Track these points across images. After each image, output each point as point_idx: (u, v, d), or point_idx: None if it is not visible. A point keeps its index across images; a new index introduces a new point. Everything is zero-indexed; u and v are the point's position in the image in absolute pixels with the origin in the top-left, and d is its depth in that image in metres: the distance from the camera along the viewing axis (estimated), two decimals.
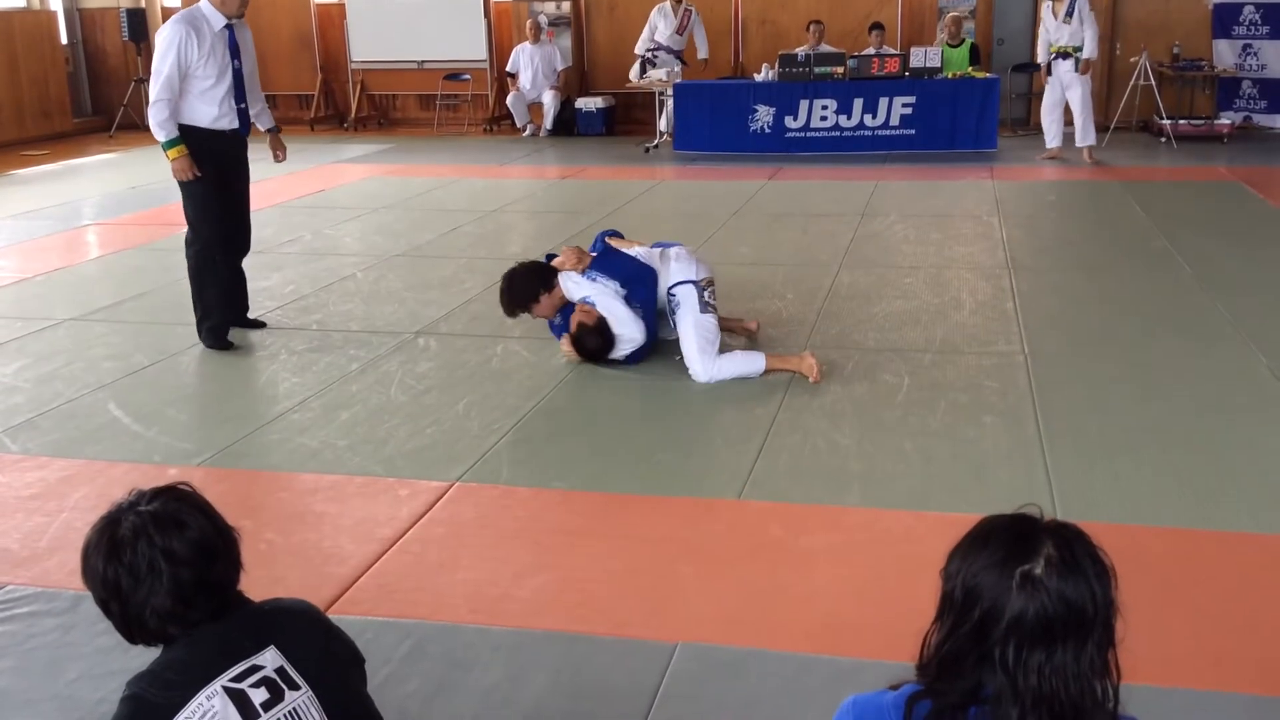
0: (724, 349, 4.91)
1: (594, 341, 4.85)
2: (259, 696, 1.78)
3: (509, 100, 13.30)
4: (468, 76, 13.83)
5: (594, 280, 4.90)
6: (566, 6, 13.74)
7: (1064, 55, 10.27)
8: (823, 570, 3.25)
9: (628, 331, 4.86)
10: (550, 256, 5.18)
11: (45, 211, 9.09)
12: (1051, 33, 10.33)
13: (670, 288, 4.94)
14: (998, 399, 4.52)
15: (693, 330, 4.83)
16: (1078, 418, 4.32)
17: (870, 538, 3.45)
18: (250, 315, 5.69)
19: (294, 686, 1.82)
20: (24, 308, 6.23)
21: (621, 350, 4.91)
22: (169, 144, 5.15)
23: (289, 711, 1.80)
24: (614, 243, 5.29)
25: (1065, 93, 10.30)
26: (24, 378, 5.03)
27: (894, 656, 2.20)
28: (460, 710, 2.63)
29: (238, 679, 1.79)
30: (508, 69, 13.35)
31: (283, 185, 10.03)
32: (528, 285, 4.96)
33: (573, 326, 4.91)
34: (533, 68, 13.06)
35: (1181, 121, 11.46)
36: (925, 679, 1.55)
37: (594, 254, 5.03)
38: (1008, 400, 4.50)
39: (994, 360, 4.99)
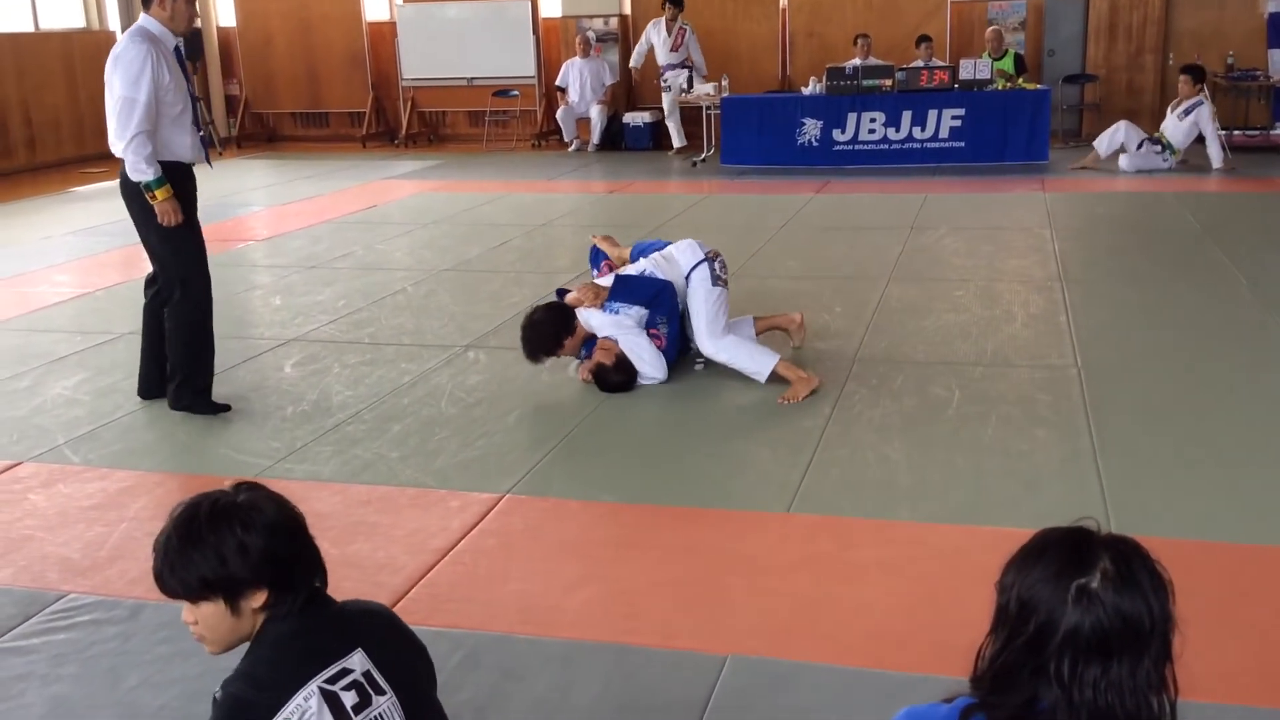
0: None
1: (616, 379, 4.86)
2: (350, 700, 1.81)
3: (558, 115, 13.40)
4: (516, 93, 13.94)
5: (615, 313, 4.91)
6: (614, 22, 13.83)
7: (1155, 140, 10.37)
8: (874, 583, 3.24)
9: (648, 371, 4.89)
10: (562, 292, 5.18)
11: (104, 228, 9.26)
12: (1167, 125, 10.45)
13: (688, 275, 4.98)
14: (1050, 413, 4.48)
15: (703, 304, 4.91)
16: (1132, 432, 4.27)
17: (921, 552, 3.43)
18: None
19: (380, 691, 1.85)
20: (84, 322, 6.36)
21: (641, 382, 4.92)
22: (158, 182, 4.45)
23: (375, 716, 1.83)
24: (602, 245, 5.41)
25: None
26: (84, 390, 5.14)
27: (946, 671, 2.19)
28: None
29: (331, 680, 1.81)
30: (557, 83, 13.45)
31: (335, 201, 10.17)
32: (549, 333, 4.90)
33: (592, 363, 4.91)
34: (581, 82, 13.16)
35: (1236, 132, 11.29)
36: (979, 692, 1.54)
37: (608, 286, 5.02)
38: (1060, 414, 4.46)
39: (1046, 373, 4.95)
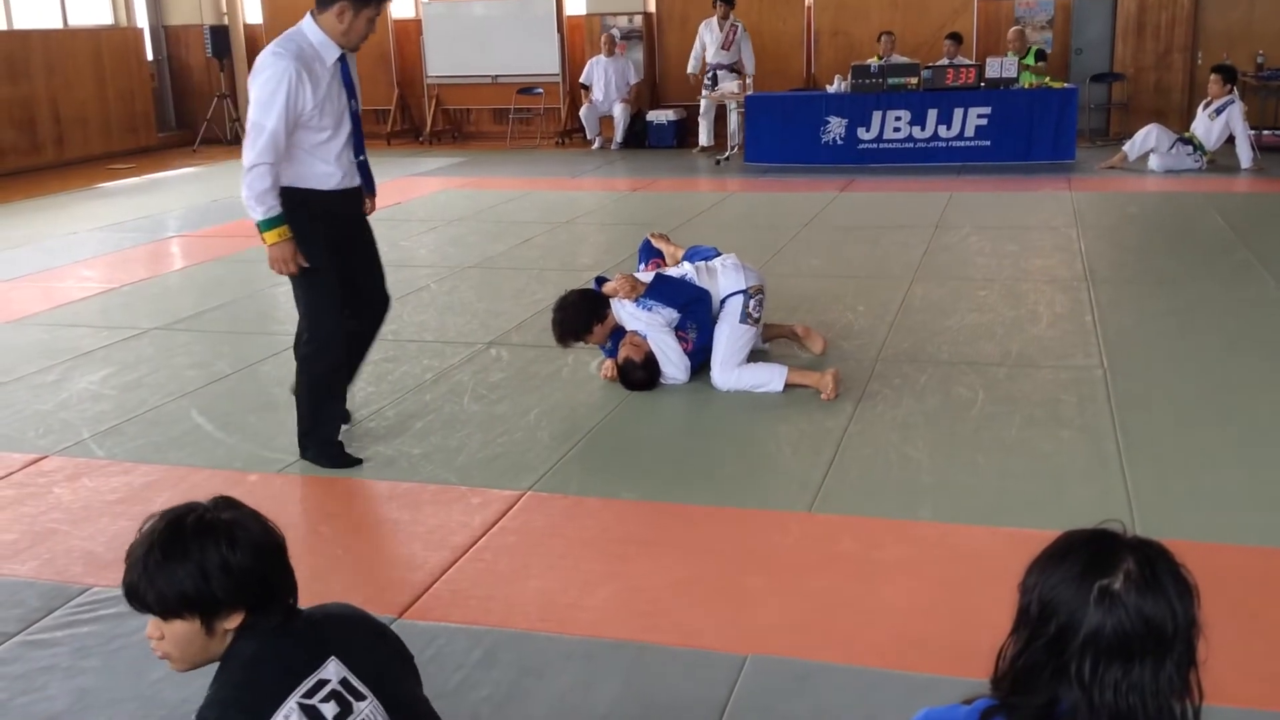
0: (783, 360, 5.00)
1: (640, 376, 4.85)
2: (330, 711, 1.77)
3: (581, 113, 13.40)
4: (540, 90, 13.96)
5: (649, 309, 4.91)
6: (639, 20, 13.82)
7: (1186, 141, 10.26)
8: (895, 584, 3.22)
9: (672, 371, 4.89)
10: (601, 280, 5.18)
11: (130, 224, 9.34)
12: (1198, 125, 10.37)
13: (723, 299, 4.97)
14: (1075, 413, 4.45)
15: (725, 339, 4.88)
16: (1159, 433, 4.24)
17: (943, 552, 3.41)
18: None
19: (360, 697, 1.82)
20: (110, 317, 6.41)
21: (663, 382, 4.93)
22: (269, 224, 3.86)
23: None
24: (658, 243, 5.41)
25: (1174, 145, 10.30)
26: (110, 385, 5.17)
27: (967, 672, 2.18)
28: (532, 717, 2.66)
29: (309, 694, 1.77)
30: (581, 80, 13.45)
31: None
32: (580, 317, 4.91)
33: (620, 358, 4.91)
34: (605, 80, 13.16)
35: (1265, 132, 11.18)
36: (1000, 693, 1.53)
37: (647, 282, 5.01)
38: (1086, 415, 4.43)
39: (1071, 374, 4.91)
